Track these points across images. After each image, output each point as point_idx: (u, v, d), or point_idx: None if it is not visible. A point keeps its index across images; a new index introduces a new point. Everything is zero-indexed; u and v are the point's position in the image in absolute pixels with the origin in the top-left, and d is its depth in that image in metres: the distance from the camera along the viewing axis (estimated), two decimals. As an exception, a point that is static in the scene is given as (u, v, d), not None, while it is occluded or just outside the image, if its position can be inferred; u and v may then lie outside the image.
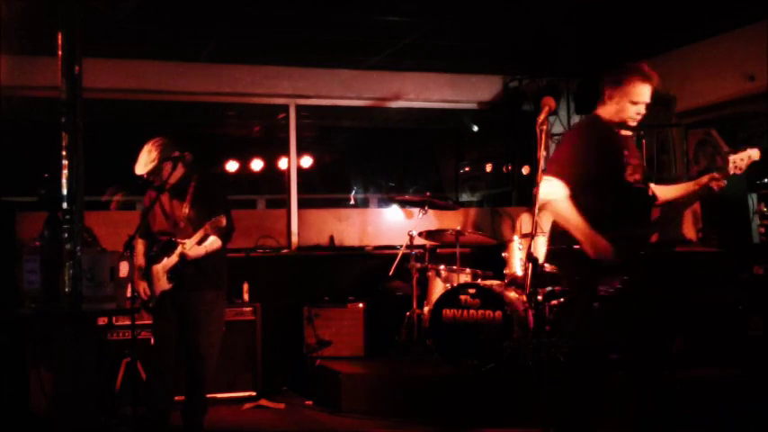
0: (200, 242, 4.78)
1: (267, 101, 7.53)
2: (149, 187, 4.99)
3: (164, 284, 4.87)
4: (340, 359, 6.29)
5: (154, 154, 4.79)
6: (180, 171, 4.92)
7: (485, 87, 7.88)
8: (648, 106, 4.01)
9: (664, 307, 4.03)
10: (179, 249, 4.78)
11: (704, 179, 4.03)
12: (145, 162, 4.81)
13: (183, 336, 4.94)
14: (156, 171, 4.80)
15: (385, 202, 9.28)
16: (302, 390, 6.43)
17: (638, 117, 4.00)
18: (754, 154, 3.97)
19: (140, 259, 4.99)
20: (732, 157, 4.01)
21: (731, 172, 3.98)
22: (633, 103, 3.94)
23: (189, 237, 4.81)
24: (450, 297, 5.94)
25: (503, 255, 6.36)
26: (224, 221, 4.69)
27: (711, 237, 5.99)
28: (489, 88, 7.88)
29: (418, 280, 6.24)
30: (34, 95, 6.01)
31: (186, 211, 4.87)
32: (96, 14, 4.30)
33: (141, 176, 4.86)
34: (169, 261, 4.84)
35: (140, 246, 5.02)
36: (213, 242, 4.83)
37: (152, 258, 4.95)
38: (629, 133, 4.10)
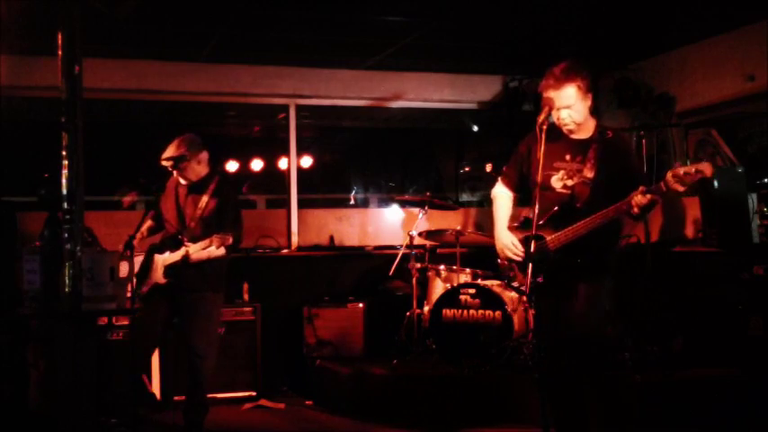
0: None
1: (267, 101, 7.54)
2: (168, 180, 5.10)
3: (159, 278, 4.93)
4: (340, 359, 6.29)
5: (182, 149, 4.94)
6: (204, 169, 5.05)
7: (485, 87, 7.88)
8: (580, 109, 3.84)
9: (560, 313, 3.81)
10: (183, 251, 4.83)
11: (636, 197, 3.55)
12: (172, 153, 4.96)
13: (181, 336, 5.02)
14: (181, 163, 4.92)
15: (385, 202, 9.27)
16: (302, 390, 6.43)
17: (565, 121, 3.87)
18: (705, 169, 3.36)
19: (144, 230, 5.10)
20: (676, 170, 3.42)
21: (671, 187, 3.43)
22: (556, 108, 3.86)
23: (196, 235, 4.87)
24: (450, 297, 5.93)
25: (503, 255, 6.35)
26: (230, 240, 4.77)
27: (711, 237, 5.97)
28: (489, 88, 7.88)
29: (418, 280, 6.24)
30: (34, 95, 6.03)
31: (199, 211, 4.93)
32: (96, 14, 4.29)
33: (164, 167, 4.98)
34: (171, 257, 4.90)
35: (148, 221, 5.13)
36: (216, 250, 4.88)
37: (155, 247, 5.04)
38: (581, 137, 3.90)
